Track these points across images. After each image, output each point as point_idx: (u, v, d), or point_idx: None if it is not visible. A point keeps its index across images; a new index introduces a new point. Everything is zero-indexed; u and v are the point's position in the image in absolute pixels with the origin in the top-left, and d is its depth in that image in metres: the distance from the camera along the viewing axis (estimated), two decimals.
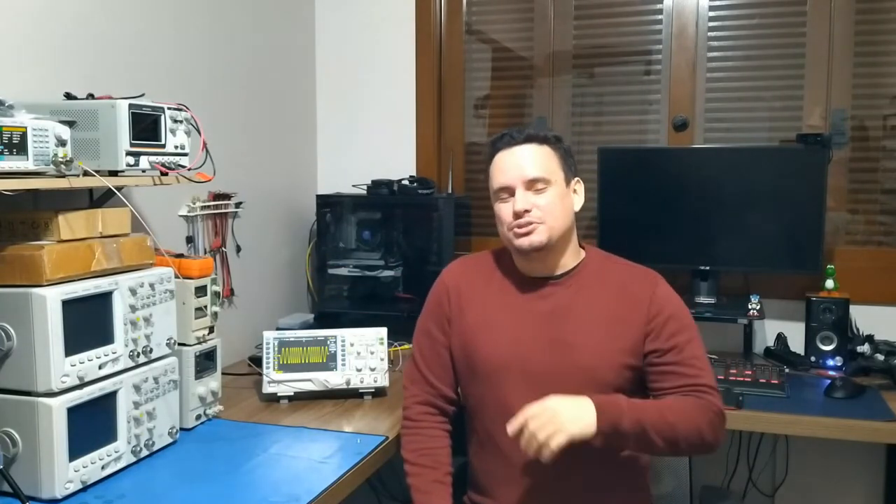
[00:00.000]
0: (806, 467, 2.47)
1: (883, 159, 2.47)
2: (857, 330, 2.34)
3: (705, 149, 2.52)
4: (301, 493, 1.45)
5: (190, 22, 2.21)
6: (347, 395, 2.02)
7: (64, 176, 1.40)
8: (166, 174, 1.64)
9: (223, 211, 2.34)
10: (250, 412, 1.93)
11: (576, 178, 1.68)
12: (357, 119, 2.89)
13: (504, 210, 1.62)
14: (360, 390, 2.02)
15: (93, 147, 1.53)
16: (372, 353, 2.02)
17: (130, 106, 1.55)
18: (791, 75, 2.50)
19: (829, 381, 2.08)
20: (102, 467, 1.48)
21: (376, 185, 2.64)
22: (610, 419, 1.40)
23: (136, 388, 1.57)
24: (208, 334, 1.85)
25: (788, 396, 2.02)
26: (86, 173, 1.47)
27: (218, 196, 2.31)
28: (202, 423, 1.83)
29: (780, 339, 2.40)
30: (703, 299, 2.40)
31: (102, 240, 1.52)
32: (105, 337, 1.50)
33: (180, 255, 1.87)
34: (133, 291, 1.55)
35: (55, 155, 1.36)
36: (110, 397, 1.51)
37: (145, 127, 1.59)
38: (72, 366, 1.41)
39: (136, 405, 1.57)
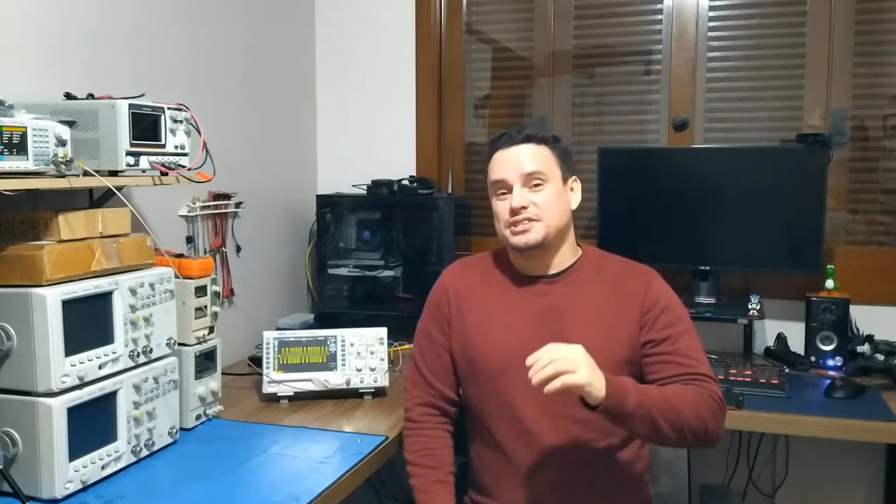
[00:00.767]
0: (806, 467, 2.47)
1: (883, 159, 2.47)
2: (857, 330, 2.34)
3: (705, 149, 2.52)
4: (301, 493, 1.45)
5: (190, 22, 2.21)
6: (347, 395, 2.02)
7: (64, 176, 1.40)
8: (166, 174, 1.64)
9: (223, 211, 2.34)
10: (250, 412, 1.93)
11: (573, 177, 1.69)
12: (357, 119, 2.89)
13: (501, 207, 1.64)
14: (360, 390, 2.02)
15: (93, 147, 1.53)
16: (372, 353, 2.02)
17: (130, 106, 1.55)
18: (791, 75, 2.50)
19: (829, 381, 2.08)
20: (102, 467, 1.49)
21: (376, 185, 2.64)
22: (617, 395, 1.38)
23: (136, 388, 1.57)
24: (208, 334, 1.85)
25: (788, 396, 2.02)
26: (86, 173, 1.47)
27: (218, 196, 2.31)
28: (202, 423, 1.83)
29: (780, 339, 2.40)
30: (703, 299, 2.40)
31: (102, 240, 1.52)
32: (105, 337, 1.50)
33: (180, 255, 1.87)
34: (133, 291, 1.55)
35: (55, 155, 1.36)
36: (110, 397, 1.51)
37: (145, 127, 1.59)
38: (72, 366, 1.41)
39: (136, 405, 1.57)
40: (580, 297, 1.64)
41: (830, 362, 2.24)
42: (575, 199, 1.69)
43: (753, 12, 2.53)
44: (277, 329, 2.25)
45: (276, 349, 1.99)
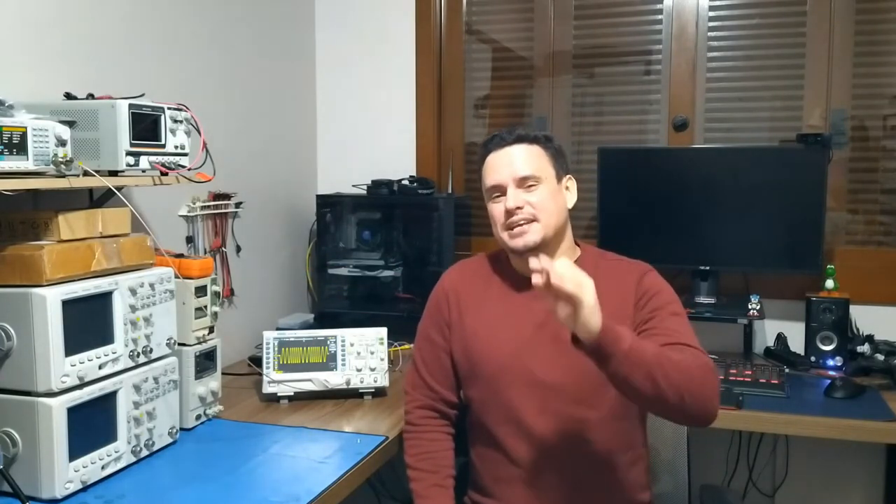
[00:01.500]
0: (806, 467, 2.47)
1: (883, 159, 2.47)
2: (857, 330, 2.34)
3: (705, 149, 2.52)
4: (301, 493, 1.45)
5: (190, 21, 2.21)
6: (347, 395, 2.02)
7: (64, 176, 1.40)
8: (166, 174, 1.64)
9: (223, 211, 2.34)
10: (250, 412, 1.93)
11: (568, 176, 1.69)
12: (357, 119, 2.89)
13: (497, 209, 1.63)
14: (360, 390, 2.02)
15: (93, 147, 1.53)
16: (372, 353, 2.02)
17: (130, 106, 1.55)
18: (791, 75, 2.50)
19: (829, 381, 2.08)
20: (102, 467, 1.49)
21: (376, 185, 2.64)
22: (613, 333, 1.31)
23: (136, 388, 1.57)
24: (208, 334, 1.85)
25: (788, 396, 2.02)
26: (86, 173, 1.47)
27: (218, 196, 2.31)
28: (202, 423, 1.83)
29: (780, 339, 2.40)
30: (703, 299, 2.40)
31: (102, 240, 1.52)
32: (105, 337, 1.50)
33: (180, 255, 1.87)
34: (133, 291, 1.55)
35: (55, 155, 1.36)
36: (110, 397, 1.51)
37: (145, 127, 1.59)
38: (72, 366, 1.41)
39: (136, 405, 1.57)
40: None
41: (830, 362, 2.24)
42: (570, 197, 1.69)
43: (753, 12, 2.53)
44: (277, 329, 2.25)
45: (276, 349, 1.99)
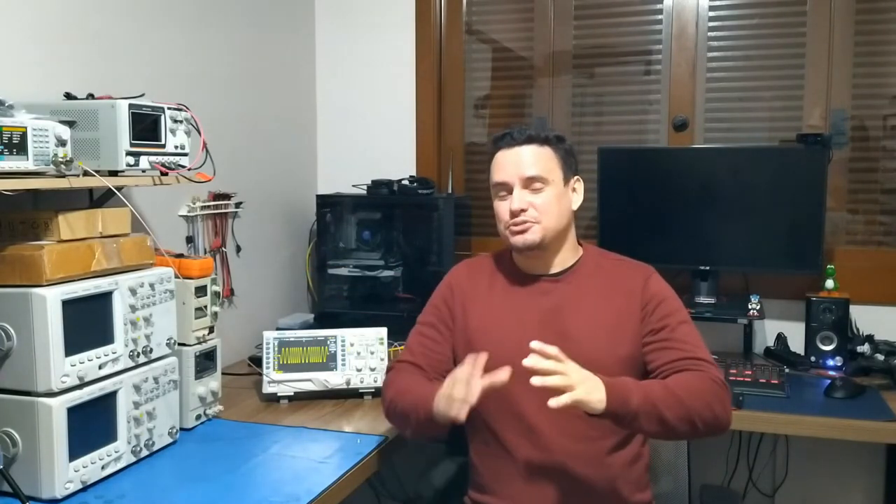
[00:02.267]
0: (806, 467, 2.47)
1: (883, 159, 2.47)
2: (857, 330, 2.34)
3: (705, 149, 2.52)
4: (301, 493, 1.45)
5: (190, 22, 2.21)
6: (347, 395, 2.02)
7: (64, 176, 1.40)
8: (166, 174, 1.64)
9: (223, 211, 2.34)
10: (250, 412, 1.93)
11: (576, 177, 1.70)
12: (357, 119, 2.89)
13: (502, 208, 1.65)
14: (360, 390, 2.02)
15: (93, 147, 1.53)
16: (372, 353, 2.02)
17: (130, 106, 1.55)
18: (791, 75, 2.50)
19: (829, 381, 2.08)
20: (102, 467, 1.49)
21: (376, 185, 2.64)
22: (620, 397, 1.40)
23: (136, 388, 1.57)
24: (208, 334, 1.85)
25: (788, 396, 2.02)
26: (86, 173, 1.47)
27: (218, 196, 2.31)
28: (202, 423, 1.83)
29: (780, 339, 2.40)
30: (703, 299, 2.40)
31: (102, 240, 1.52)
32: (105, 337, 1.50)
33: (180, 255, 1.87)
34: (133, 291, 1.55)
35: (55, 155, 1.36)
36: (110, 397, 1.51)
37: (145, 127, 1.59)
38: (72, 366, 1.41)
39: (136, 405, 1.57)
40: (582, 295, 1.65)
41: (830, 362, 2.24)
42: (577, 199, 1.70)
43: (753, 12, 2.53)
44: (277, 329, 2.25)
45: (276, 349, 1.99)
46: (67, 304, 1.40)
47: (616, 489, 1.61)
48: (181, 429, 1.74)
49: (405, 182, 2.63)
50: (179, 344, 1.73)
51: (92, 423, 1.46)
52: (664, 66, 2.62)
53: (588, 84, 2.74)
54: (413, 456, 2.16)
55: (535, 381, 1.36)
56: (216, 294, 1.87)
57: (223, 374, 1.94)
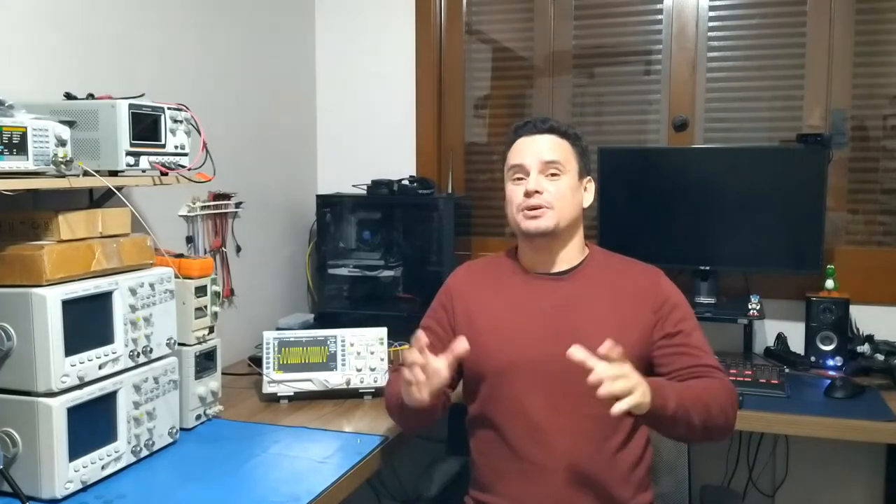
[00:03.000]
0: (806, 467, 2.47)
1: (883, 159, 2.47)
2: (857, 330, 2.34)
3: (705, 149, 2.53)
4: (301, 493, 1.45)
5: (190, 21, 2.21)
6: (347, 395, 2.02)
7: (64, 176, 1.40)
8: (166, 174, 1.64)
9: (223, 211, 2.34)
10: (250, 412, 1.93)
11: (588, 177, 1.72)
12: (357, 119, 2.89)
13: (515, 191, 1.65)
14: (360, 390, 2.02)
15: (93, 147, 1.53)
16: (372, 353, 2.02)
17: (130, 106, 1.55)
18: (791, 75, 2.50)
19: (829, 381, 2.08)
20: (102, 467, 1.49)
21: (376, 185, 2.64)
22: (661, 400, 1.41)
23: (136, 388, 1.57)
24: (208, 334, 1.85)
25: (788, 396, 2.02)
26: (86, 173, 1.47)
27: (218, 196, 2.31)
28: (202, 423, 1.83)
29: (780, 339, 2.40)
30: (703, 299, 2.40)
31: (102, 240, 1.52)
32: (105, 337, 1.50)
33: (180, 255, 1.87)
34: (133, 291, 1.55)
35: (55, 155, 1.36)
36: (110, 397, 1.51)
37: (145, 127, 1.59)
38: (72, 366, 1.41)
39: (136, 405, 1.57)
40: (589, 294, 1.65)
41: (830, 362, 2.24)
42: (588, 198, 1.72)
43: (753, 12, 2.53)
44: (277, 329, 2.25)
45: (276, 349, 1.99)
46: (67, 304, 1.40)
47: (618, 489, 1.61)
48: (181, 429, 1.74)
49: (405, 182, 2.63)
50: (179, 344, 1.73)
51: (92, 423, 1.46)
52: (664, 66, 2.62)
53: (588, 84, 2.74)
54: (413, 456, 2.16)
55: (603, 390, 1.33)
56: (216, 294, 1.87)
57: (223, 374, 1.94)
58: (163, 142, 1.64)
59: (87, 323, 1.46)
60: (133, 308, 1.56)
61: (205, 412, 1.84)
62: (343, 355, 2.01)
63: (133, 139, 1.55)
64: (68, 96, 1.61)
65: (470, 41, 2.86)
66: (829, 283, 2.31)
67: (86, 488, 1.45)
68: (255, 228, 2.50)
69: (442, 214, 2.57)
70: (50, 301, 1.37)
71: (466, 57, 2.85)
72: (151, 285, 1.61)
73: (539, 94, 2.79)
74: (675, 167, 2.46)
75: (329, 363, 2.01)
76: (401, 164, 2.80)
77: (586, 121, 2.76)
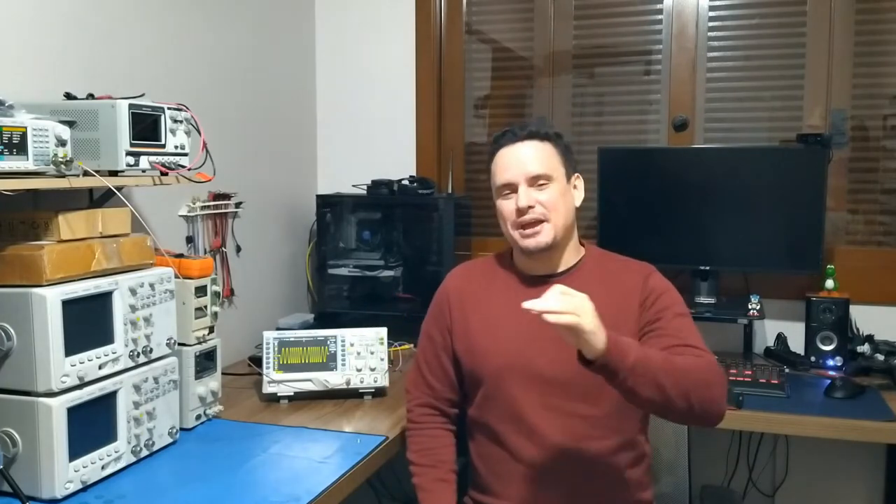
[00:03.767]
0: (806, 467, 2.47)
1: (883, 159, 2.47)
2: (857, 330, 2.34)
3: (705, 149, 2.52)
4: (301, 493, 1.45)
5: (190, 22, 2.21)
6: (347, 395, 2.02)
7: (64, 176, 1.40)
8: (166, 174, 1.64)
9: (223, 211, 2.34)
10: (250, 412, 1.93)
11: (576, 174, 1.70)
12: (357, 119, 2.89)
13: (507, 207, 1.64)
14: (360, 390, 2.02)
15: (93, 147, 1.53)
16: (372, 353, 2.02)
17: (130, 106, 1.55)
18: (791, 75, 2.50)
19: (829, 381, 2.08)
20: (102, 467, 1.49)
21: (376, 185, 2.64)
22: (618, 347, 1.32)
23: (136, 388, 1.57)
24: (208, 334, 1.85)
25: (788, 396, 2.02)
26: (86, 173, 1.47)
27: (218, 196, 2.31)
28: (202, 423, 1.83)
29: (780, 339, 2.40)
30: (703, 299, 2.40)
31: (102, 240, 1.52)
32: (105, 337, 1.50)
33: (180, 255, 1.87)
34: (133, 291, 1.55)
35: (55, 155, 1.36)
36: (110, 397, 1.51)
37: (145, 127, 1.59)
38: (72, 366, 1.41)
39: (136, 405, 1.57)
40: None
41: (830, 362, 2.24)
42: (578, 196, 1.70)
43: (753, 12, 2.53)
44: (277, 329, 2.25)
45: (276, 349, 1.99)
46: (67, 304, 1.40)
47: (618, 490, 1.61)
48: (181, 429, 1.73)
49: (405, 182, 2.63)
50: (179, 344, 1.73)
51: (92, 423, 1.46)
52: (664, 66, 2.62)
53: (588, 84, 2.74)
54: None
55: (550, 318, 1.28)
56: (216, 294, 1.87)
57: (223, 374, 1.94)
58: (163, 142, 1.64)
59: (87, 323, 1.45)
60: (133, 308, 1.55)
61: (205, 412, 1.84)
62: (343, 355, 2.01)
63: (133, 139, 1.55)
64: (68, 96, 1.61)
65: (470, 41, 2.86)
66: (829, 283, 2.31)
67: (86, 488, 1.45)
68: (255, 228, 2.50)
69: (442, 214, 2.57)
70: (50, 301, 1.37)
71: (466, 57, 2.85)
72: (151, 285, 1.61)
73: (539, 94, 2.79)
74: (675, 167, 2.46)
75: (329, 363, 2.01)
76: (401, 164, 2.80)
77: (586, 121, 2.76)
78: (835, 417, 1.88)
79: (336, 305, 2.70)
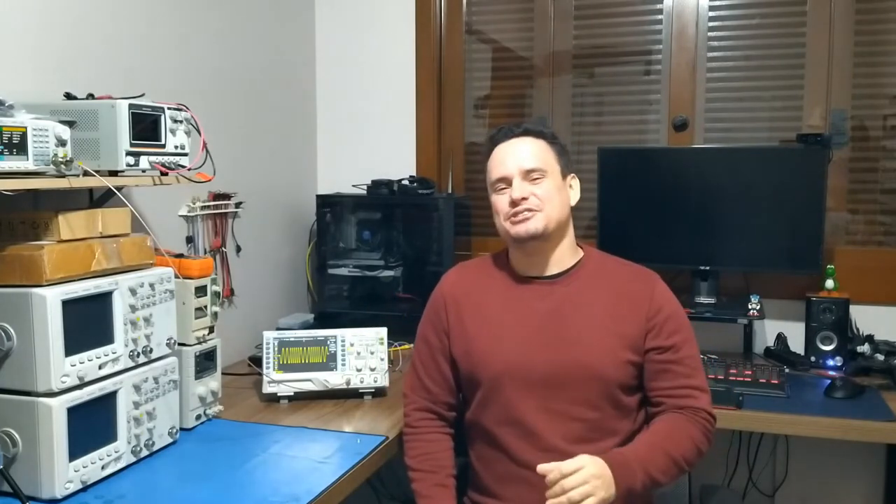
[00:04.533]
0: (806, 467, 2.47)
1: (883, 159, 2.47)
2: (857, 330, 2.34)
3: (705, 149, 2.52)
4: (301, 493, 1.45)
5: (190, 22, 2.21)
6: (347, 395, 2.02)
7: (64, 176, 1.40)
8: (166, 174, 1.64)
9: (223, 211, 2.34)
10: (250, 412, 1.92)
11: (571, 174, 1.70)
12: (357, 119, 2.89)
13: (501, 201, 1.64)
14: (360, 390, 2.02)
15: (93, 147, 1.53)
16: (372, 353, 2.02)
17: (130, 106, 1.55)
18: (791, 75, 2.50)
19: (829, 381, 2.08)
20: (102, 467, 1.49)
21: (376, 185, 2.64)
22: (627, 484, 1.43)
23: (136, 388, 1.57)
24: (208, 334, 1.85)
25: (788, 396, 2.02)
26: (86, 173, 1.47)
27: (218, 196, 2.31)
28: (202, 423, 1.83)
29: (780, 339, 2.40)
30: (703, 299, 2.40)
31: (102, 240, 1.52)
32: (105, 337, 1.50)
33: (180, 255, 1.87)
34: (133, 291, 1.55)
35: (55, 155, 1.36)
36: (110, 397, 1.51)
37: (145, 127, 1.59)
38: (72, 366, 1.41)
39: (136, 405, 1.57)
40: (582, 299, 1.64)
41: (830, 362, 2.24)
42: (574, 195, 1.70)
43: (753, 12, 2.53)
44: (277, 329, 2.25)
45: (276, 349, 1.99)
46: (67, 304, 1.40)
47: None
48: (181, 429, 1.73)
49: (405, 182, 2.63)
50: (179, 344, 1.73)
51: (92, 423, 1.46)
52: (664, 66, 2.62)
53: (588, 84, 2.74)
54: None
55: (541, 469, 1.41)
56: (216, 294, 1.87)
57: (223, 374, 1.94)
58: (163, 142, 1.64)
59: (87, 323, 1.45)
60: (133, 308, 1.55)
61: (205, 412, 1.84)
62: (343, 355, 2.01)
63: (133, 139, 1.55)
64: (68, 96, 1.61)
65: (470, 41, 2.86)
66: (829, 283, 2.31)
67: (86, 488, 1.45)
68: (255, 228, 2.50)
69: (442, 214, 2.57)
70: (50, 301, 1.37)
71: (466, 57, 2.85)
72: (151, 285, 1.61)
73: (539, 94, 2.79)
74: (675, 167, 2.46)
75: (329, 363, 2.01)
76: (401, 164, 2.80)
77: (586, 121, 2.76)
78: (835, 417, 1.88)
79: (336, 305, 2.70)
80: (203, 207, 2.24)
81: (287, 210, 2.72)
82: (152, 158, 1.60)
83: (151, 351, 1.61)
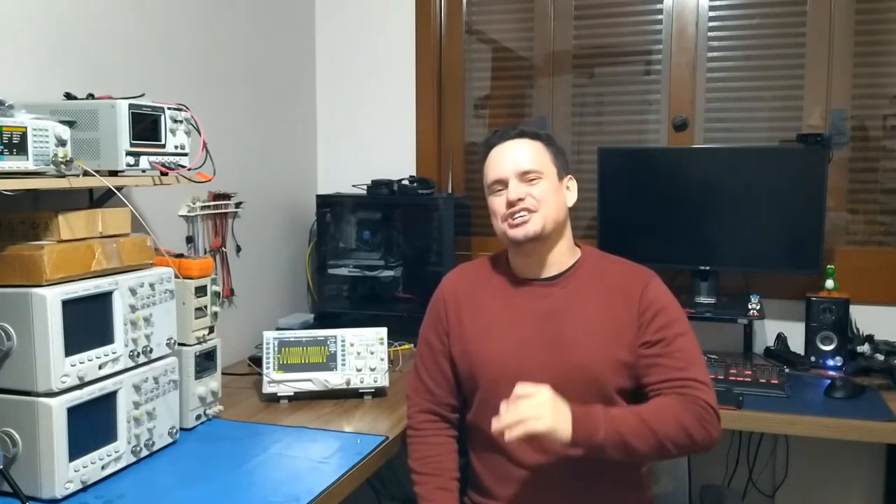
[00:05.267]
0: (806, 467, 2.47)
1: (883, 159, 2.47)
2: (857, 330, 2.34)
3: (705, 149, 2.52)
4: (301, 493, 1.45)
5: (190, 21, 2.21)
6: (347, 395, 2.02)
7: (64, 176, 1.40)
8: (166, 174, 1.64)
9: (223, 211, 2.34)
10: (250, 412, 1.93)
11: (568, 176, 1.70)
12: (357, 119, 2.89)
13: (498, 202, 1.64)
14: (360, 390, 2.02)
15: (93, 147, 1.53)
16: (372, 353, 2.02)
17: (130, 106, 1.55)
18: (791, 75, 2.50)
19: (829, 381, 2.08)
20: (102, 467, 1.49)
21: (376, 185, 2.64)
22: (585, 432, 1.40)
23: (136, 388, 1.57)
24: (208, 334, 1.85)
25: (788, 396, 2.02)
26: (86, 173, 1.47)
27: (218, 196, 2.31)
28: (202, 423, 1.83)
29: (780, 339, 2.40)
30: (703, 299, 2.40)
31: (102, 240, 1.52)
32: (105, 337, 1.50)
33: (180, 255, 1.87)
34: (133, 291, 1.55)
35: (55, 155, 1.36)
36: (110, 397, 1.51)
37: (145, 127, 1.59)
38: (72, 366, 1.41)
39: (136, 405, 1.57)
40: (579, 300, 1.63)
41: (830, 362, 2.24)
42: (571, 197, 1.70)
43: (753, 12, 2.53)
44: (277, 329, 2.25)
45: (276, 349, 1.99)
46: (67, 304, 1.40)
47: (617, 490, 1.60)
48: (181, 429, 1.74)
49: (405, 182, 2.63)
50: (179, 344, 1.73)
51: (92, 423, 1.46)
52: (664, 66, 2.62)
53: (588, 84, 2.74)
54: None
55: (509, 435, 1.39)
56: (216, 294, 1.87)
57: (223, 374, 1.94)
58: (163, 142, 1.64)
59: (87, 323, 1.45)
60: (133, 308, 1.56)
61: (205, 412, 1.84)
62: (343, 355, 2.01)
63: (133, 139, 1.55)
64: (68, 96, 1.61)
65: (470, 41, 2.86)
66: (829, 283, 2.31)
67: (86, 488, 1.45)
68: (255, 228, 2.50)
69: (442, 214, 2.57)
70: (50, 301, 1.37)
71: (466, 57, 2.85)
72: (151, 285, 1.61)
73: (539, 94, 2.79)
74: (675, 167, 2.46)
75: (329, 363, 2.01)
76: (401, 164, 2.80)
77: (586, 121, 2.76)
78: (835, 417, 1.88)
79: (336, 305, 2.70)
80: (203, 207, 2.24)
81: (287, 210, 2.72)
82: (152, 158, 1.60)
83: (151, 351, 1.61)
